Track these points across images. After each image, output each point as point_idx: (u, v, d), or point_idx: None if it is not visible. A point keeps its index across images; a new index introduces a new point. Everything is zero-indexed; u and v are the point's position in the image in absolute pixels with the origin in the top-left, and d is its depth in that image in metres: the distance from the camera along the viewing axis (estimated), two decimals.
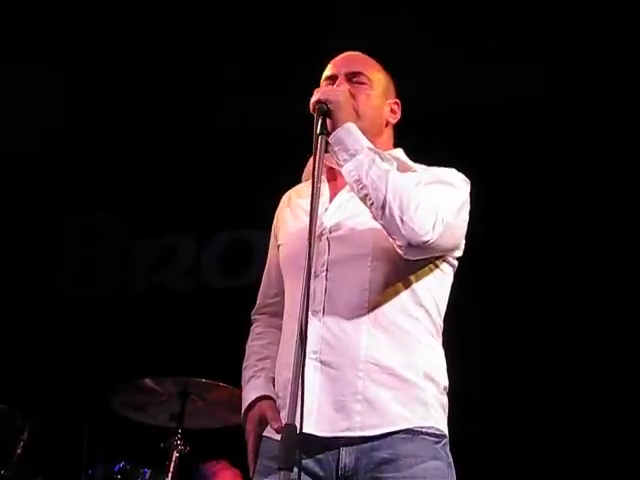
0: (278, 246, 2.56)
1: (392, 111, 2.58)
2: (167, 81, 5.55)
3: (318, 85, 2.56)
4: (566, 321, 4.73)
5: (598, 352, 4.64)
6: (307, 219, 2.15)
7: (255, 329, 2.60)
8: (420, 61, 4.75)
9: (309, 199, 2.16)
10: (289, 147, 5.32)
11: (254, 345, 2.55)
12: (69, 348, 5.56)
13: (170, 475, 3.83)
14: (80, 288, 6.02)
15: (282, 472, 1.91)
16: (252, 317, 2.64)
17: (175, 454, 3.86)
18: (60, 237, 6.12)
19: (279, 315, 2.51)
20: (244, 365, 2.52)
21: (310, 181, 2.21)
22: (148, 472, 3.87)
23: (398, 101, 2.61)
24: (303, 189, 2.58)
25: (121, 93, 5.60)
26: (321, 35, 4.86)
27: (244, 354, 2.56)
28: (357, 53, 2.62)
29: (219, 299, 5.50)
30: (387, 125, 2.57)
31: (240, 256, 5.53)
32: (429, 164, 2.53)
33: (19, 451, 3.98)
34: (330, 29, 4.96)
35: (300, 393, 1.97)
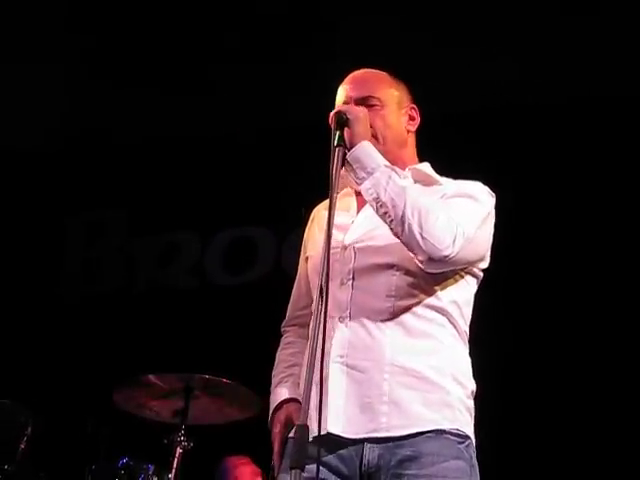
0: (306, 259, 2.59)
1: (410, 118, 2.58)
2: (170, 81, 5.56)
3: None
4: (577, 327, 4.73)
5: (610, 356, 4.64)
6: (332, 232, 2.19)
7: (285, 339, 2.62)
8: (421, 64, 4.75)
9: (336, 212, 2.20)
10: (292, 146, 5.38)
11: (283, 354, 2.58)
12: (73, 345, 5.58)
13: (174, 471, 3.84)
14: (84, 286, 6.04)
15: (293, 471, 1.94)
16: (282, 329, 2.65)
17: (179, 450, 3.86)
18: (64, 235, 6.14)
19: (308, 326, 2.51)
20: (273, 373, 2.55)
21: (341, 195, 2.26)
22: (152, 468, 3.88)
23: (414, 106, 2.59)
24: None
25: (125, 92, 5.61)
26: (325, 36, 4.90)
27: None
28: (364, 72, 2.60)
29: (223, 296, 5.50)
30: (408, 133, 2.58)
31: (244, 253, 5.54)
32: (453, 176, 2.53)
33: (22, 446, 3.99)
34: (332, 29, 4.98)
35: (318, 396, 2.04)
